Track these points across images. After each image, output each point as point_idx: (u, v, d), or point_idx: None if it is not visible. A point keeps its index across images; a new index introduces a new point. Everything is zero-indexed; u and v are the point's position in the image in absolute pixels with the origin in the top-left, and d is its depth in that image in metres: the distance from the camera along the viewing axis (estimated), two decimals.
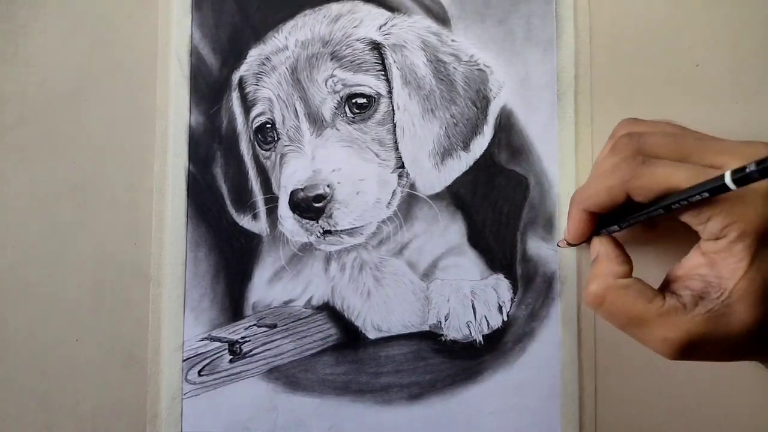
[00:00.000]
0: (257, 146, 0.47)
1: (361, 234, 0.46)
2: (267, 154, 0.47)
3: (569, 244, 0.41)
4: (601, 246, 0.37)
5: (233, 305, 0.46)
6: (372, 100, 0.46)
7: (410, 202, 0.46)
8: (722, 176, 0.30)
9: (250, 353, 0.46)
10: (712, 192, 0.31)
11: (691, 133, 0.36)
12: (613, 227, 0.38)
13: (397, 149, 0.46)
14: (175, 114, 0.47)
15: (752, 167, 0.28)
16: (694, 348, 0.32)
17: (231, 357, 0.46)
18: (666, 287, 0.35)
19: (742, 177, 0.29)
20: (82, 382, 0.46)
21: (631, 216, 0.36)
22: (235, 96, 0.47)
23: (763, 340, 0.33)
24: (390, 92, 0.46)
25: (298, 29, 0.47)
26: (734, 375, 0.44)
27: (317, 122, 0.46)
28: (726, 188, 0.30)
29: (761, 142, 0.33)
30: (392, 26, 0.46)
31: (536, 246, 0.46)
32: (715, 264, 0.33)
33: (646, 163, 0.34)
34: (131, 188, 0.47)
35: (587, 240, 0.39)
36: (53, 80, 0.48)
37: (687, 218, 0.34)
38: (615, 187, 0.34)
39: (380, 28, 0.46)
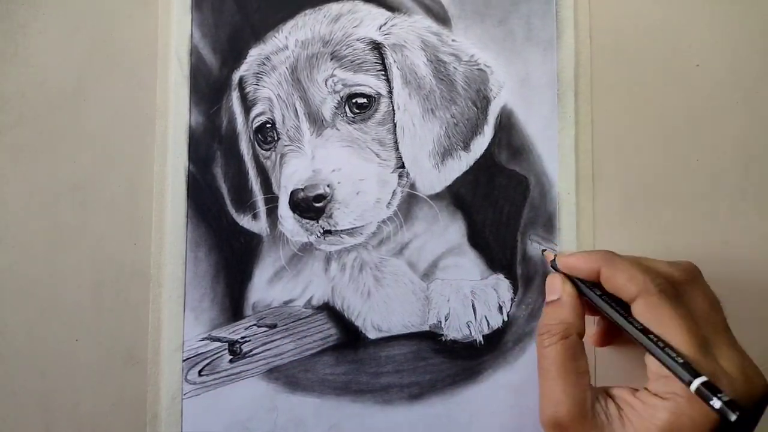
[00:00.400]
0: (257, 146, 0.47)
1: (361, 234, 0.46)
2: (267, 153, 0.47)
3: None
4: (565, 292, 0.39)
5: (233, 305, 0.46)
6: (372, 100, 0.46)
7: (410, 202, 0.46)
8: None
9: (250, 353, 0.46)
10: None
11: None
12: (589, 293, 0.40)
13: (397, 149, 0.46)
14: (175, 114, 0.47)
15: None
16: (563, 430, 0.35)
17: (231, 357, 0.46)
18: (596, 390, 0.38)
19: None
20: (82, 382, 0.46)
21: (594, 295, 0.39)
22: (235, 96, 0.47)
23: None
24: (390, 92, 0.46)
25: (298, 29, 0.47)
26: None
27: (317, 122, 0.46)
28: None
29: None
30: (392, 26, 0.46)
31: (536, 246, 0.46)
32: (635, 409, 0.35)
33: (618, 257, 0.38)
34: (131, 188, 0.47)
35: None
36: (53, 80, 0.47)
37: (651, 361, 0.35)
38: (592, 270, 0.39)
39: (380, 28, 0.46)
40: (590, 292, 0.39)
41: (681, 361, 0.33)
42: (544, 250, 0.45)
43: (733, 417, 0.31)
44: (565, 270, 0.40)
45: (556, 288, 0.40)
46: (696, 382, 0.32)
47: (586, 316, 0.40)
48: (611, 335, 0.43)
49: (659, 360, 0.34)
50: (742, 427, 0.32)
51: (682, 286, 0.37)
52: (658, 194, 0.46)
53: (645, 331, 0.35)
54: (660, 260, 0.39)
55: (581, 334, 0.38)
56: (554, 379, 0.36)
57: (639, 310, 0.36)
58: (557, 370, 0.36)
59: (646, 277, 0.36)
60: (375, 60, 0.46)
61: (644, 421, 0.34)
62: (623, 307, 0.37)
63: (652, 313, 0.35)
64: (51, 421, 0.46)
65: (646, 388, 0.35)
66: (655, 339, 0.35)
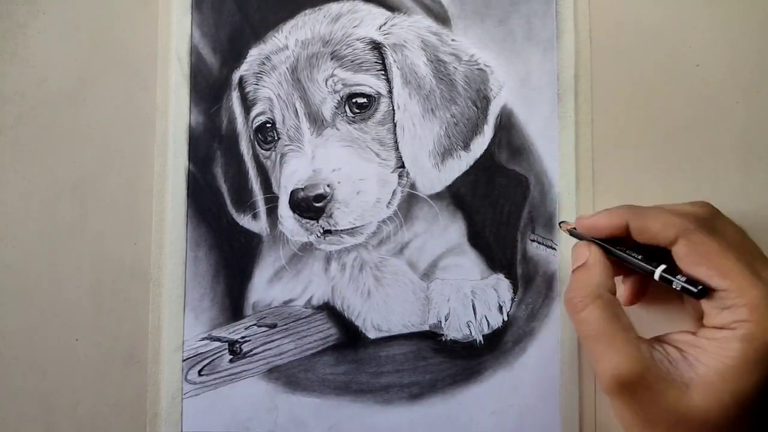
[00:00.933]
0: (257, 146, 0.47)
1: (362, 234, 0.46)
2: (267, 153, 0.47)
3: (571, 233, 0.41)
4: (591, 253, 0.38)
5: (233, 305, 0.46)
6: (372, 100, 0.46)
7: (410, 201, 0.46)
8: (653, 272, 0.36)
9: (250, 353, 0.46)
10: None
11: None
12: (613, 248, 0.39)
13: (397, 149, 0.46)
14: (175, 113, 0.47)
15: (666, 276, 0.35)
16: (636, 391, 0.33)
17: (231, 357, 0.46)
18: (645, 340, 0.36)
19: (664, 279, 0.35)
20: (82, 381, 0.46)
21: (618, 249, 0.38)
22: (235, 95, 0.47)
23: None
24: (390, 92, 0.46)
25: (298, 29, 0.47)
26: None
27: (317, 122, 0.46)
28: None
29: (700, 204, 0.37)
30: (392, 26, 0.46)
31: (536, 246, 0.46)
32: (700, 345, 0.33)
33: (645, 207, 0.37)
34: (131, 188, 0.47)
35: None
36: (53, 80, 0.47)
37: (705, 302, 0.34)
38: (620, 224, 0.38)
39: (380, 28, 0.46)
40: (617, 250, 0.38)
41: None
42: (561, 223, 0.44)
43: (695, 290, 0.33)
44: (588, 231, 0.39)
45: (582, 253, 0.38)
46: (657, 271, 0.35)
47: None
48: (640, 292, 0.42)
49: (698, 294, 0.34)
50: None
51: (712, 221, 0.36)
52: (658, 194, 0.46)
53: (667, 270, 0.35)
54: (679, 203, 0.38)
55: (614, 292, 0.37)
56: (603, 342, 0.34)
57: (683, 251, 0.34)
58: (603, 332, 0.34)
59: (682, 219, 0.35)
60: (375, 60, 0.46)
61: (715, 357, 0.32)
62: (655, 257, 0.37)
63: (698, 251, 0.34)
64: (51, 420, 0.46)
65: (704, 326, 0.34)
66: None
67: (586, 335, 0.35)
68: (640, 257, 0.37)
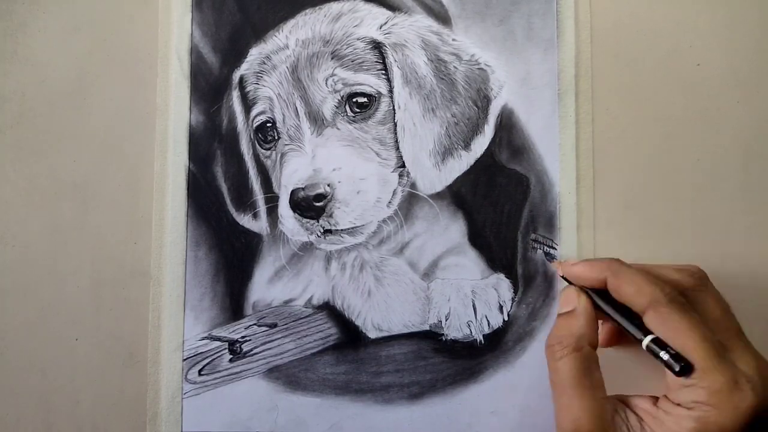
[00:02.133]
0: (257, 145, 0.47)
1: (362, 233, 0.46)
2: (267, 153, 0.47)
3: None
4: (580, 303, 0.39)
5: (233, 304, 0.46)
6: (372, 100, 0.46)
7: (411, 201, 0.46)
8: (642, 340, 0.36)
9: (251, 352, 0.46)
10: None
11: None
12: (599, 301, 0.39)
13: (397, 148, 0.46)
14: (176, 113, 0.47)
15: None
16: None
17: (231, 356, 0.46)
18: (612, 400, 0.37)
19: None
20: (82, 381, 0.46)
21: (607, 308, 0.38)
22: (235, 95, 0.47)
23: None
24: (391, 91, 0.46)
25: (299, 28, 0.47)
26: None
27: (318, 121, 0.46)
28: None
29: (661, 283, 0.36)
30: (393, 25, 0.46)
31: (537, 245, 0.46)
32: (659, 419, 0.34)
33: (625, 267, 0.38)
34: (131, 187, 0.47)
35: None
36: (53, 79, 0.47)
37: (669, 374, 0.35)
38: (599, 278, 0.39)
39: (381, 28, 0.46)
40: (607, 308, 0.39)
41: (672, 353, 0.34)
42: (551, 259, 0.45)
43: (677, 368, 0.33)
44: (572, 279, 0.40)
45: (571, 299, 0.39)
46: (646, 340, 0.35)
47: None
48: (617, 336, 0.43)
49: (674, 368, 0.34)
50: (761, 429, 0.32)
51: (692, 293, 0.37)
52: (658, 194, 0.46)
53: (656, 341, 0.35)
54: (667, 266, 0.38)
55: (595, 346, 0.38)
56: (571, 395, 0.35)
57: (651, 322, 0.35)
58: (573, 385, 0.35)
59: (655, 288, 0.35)
60: (375, 59, 0.46)
61: (675, 424, 0.33)
62: (635, 314, 0.37)
63: (664, 325, 0.35)
64: (51, 420, 0.46)
65: (666, 397, 0.35)
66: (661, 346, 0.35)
67: (556, 383, 0.36)
68: (629, 321, 0.37)
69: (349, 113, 0.46)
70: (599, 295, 0.39)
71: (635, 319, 0.37)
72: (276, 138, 0.47)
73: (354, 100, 0.46)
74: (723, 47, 0.46)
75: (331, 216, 0.45)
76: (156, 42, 0.47)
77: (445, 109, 0.46)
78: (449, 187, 0.46)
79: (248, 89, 0.47)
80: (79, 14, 0.48)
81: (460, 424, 0.45)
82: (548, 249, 0.45)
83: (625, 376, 0.41)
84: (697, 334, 0.34)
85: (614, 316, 0.38)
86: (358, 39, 0.46)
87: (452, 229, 0.46)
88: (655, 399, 0.36)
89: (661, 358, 0.34)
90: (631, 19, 0.47)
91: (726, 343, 0.35)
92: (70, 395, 0.46)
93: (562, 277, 0.41)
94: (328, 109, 0.46)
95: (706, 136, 0.46)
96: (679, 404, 0.34)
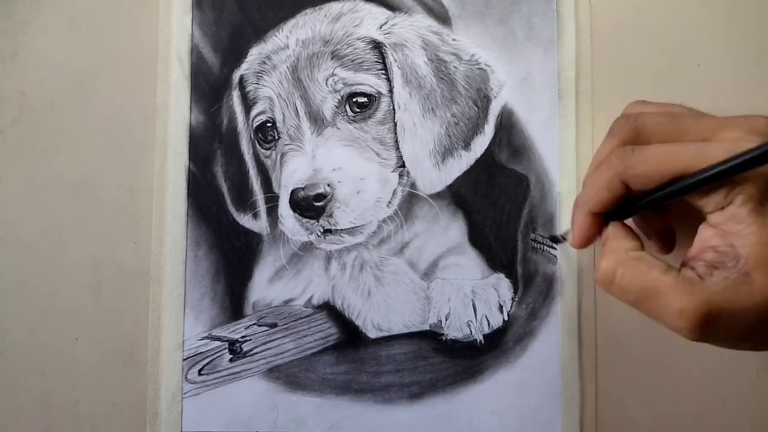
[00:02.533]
0: (258, 145, 0.47)
1: (362, 233, 0.46)
2: (267, 153, 0.47)
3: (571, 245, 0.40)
4: (609, 229, 0.35)
5: (233, 304, 0.46)
6: (373, 99, 0.46)
7: (411, 201, 0.46)
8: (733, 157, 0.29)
9: (251, 352, 0.46)
10: (720, 176, 0.30)
11: (693, 112, 0.34)
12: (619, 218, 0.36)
13: (397, 148, 0.46)
14: (176, 113, 0.47)
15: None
16: (714, 321, 0.30)
17: (231, 356, 0.46)
18: (680, 267, 0.33)
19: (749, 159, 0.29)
20: (82, 381, 0.46)
21: (635, 208, 0.35)
22: (235, 95, 0.47)
23: None
24: (391, 91, 0.46)
25: (299, 28, 0.47)
26: (736, 376, 0.44)
27: (318, 121, 0.46)
28: (736, 170, 0.29)
29: (761, 115, 0.32)
30: (393, 25, 0.46)
31: (537, 245, 0.46)
32: (725, 234, 0.31)
33: (637, 151, 0.33)
34: (131, 187, 0.47)
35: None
36: (53, 79, 0.47)
37: (689, 197, 0.32)
38: (612, 182, 0.33)
39: (381, 27, 0.46)
40: (636, 204, 0.34)
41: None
42: (559, 241, 0.44)
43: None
44: (584, 240, 0.36)
45: (603, 234, 0.35)
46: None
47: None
48: (670, 242, 0.39)
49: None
50: None
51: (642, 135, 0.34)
52: None
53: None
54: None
55: (641, 248, 0.34)
56: (653, 298, 0.31)
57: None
58: (646, 290, 0.31)
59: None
60: (375, 59, 0.46)
61: (744, 232, 0.30)
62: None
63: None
64: (51, 419, 0.46)
65: (710, 214, 0.32)
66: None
67: (633, 301, 0.32)
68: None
69: (349, 113, 0.46)
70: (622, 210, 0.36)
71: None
72: (276, 138, 0.47)
73: (354, 99, 0.46)
74: (724, 47, 0.46)
75: (331, 216, 0.45)
76: (156, 42, 0.47)
77: (445, 109, 0.46)
78: (449, 186, 0.46)
79: (248, 89, 0.47)
80: (79, 14, 0.48)
81: (460, 423, 0.45)
82: (547, 247, 0.45)
83: None
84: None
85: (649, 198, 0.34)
86: (358, 39, 0.46)
87: (452, 229, 0.46)
88: (710, 227, 0.32)
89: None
90: (631, 19, 0.47)
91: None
92: (70, 395, 0.46)
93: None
94: (328, 108, 0.46)
95: None
96: (729, 203, 0.30)
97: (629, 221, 0.37)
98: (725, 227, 0.31)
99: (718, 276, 0.30)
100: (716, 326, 0.30)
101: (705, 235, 0.32)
